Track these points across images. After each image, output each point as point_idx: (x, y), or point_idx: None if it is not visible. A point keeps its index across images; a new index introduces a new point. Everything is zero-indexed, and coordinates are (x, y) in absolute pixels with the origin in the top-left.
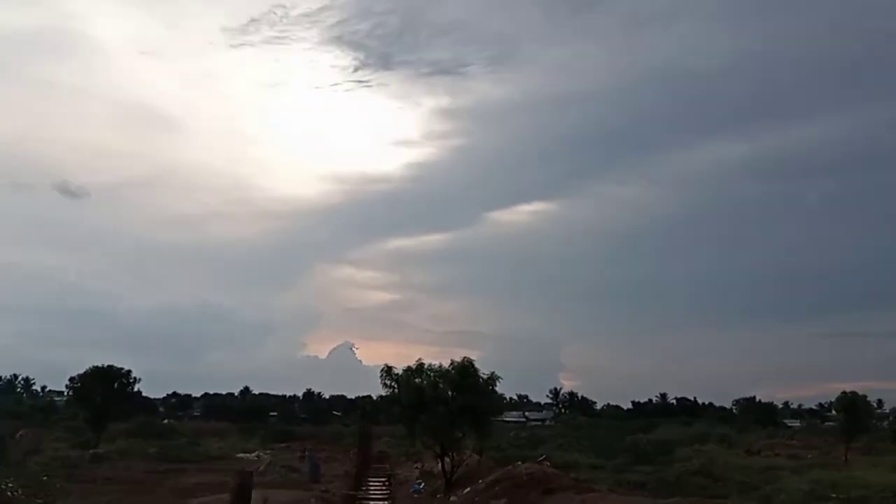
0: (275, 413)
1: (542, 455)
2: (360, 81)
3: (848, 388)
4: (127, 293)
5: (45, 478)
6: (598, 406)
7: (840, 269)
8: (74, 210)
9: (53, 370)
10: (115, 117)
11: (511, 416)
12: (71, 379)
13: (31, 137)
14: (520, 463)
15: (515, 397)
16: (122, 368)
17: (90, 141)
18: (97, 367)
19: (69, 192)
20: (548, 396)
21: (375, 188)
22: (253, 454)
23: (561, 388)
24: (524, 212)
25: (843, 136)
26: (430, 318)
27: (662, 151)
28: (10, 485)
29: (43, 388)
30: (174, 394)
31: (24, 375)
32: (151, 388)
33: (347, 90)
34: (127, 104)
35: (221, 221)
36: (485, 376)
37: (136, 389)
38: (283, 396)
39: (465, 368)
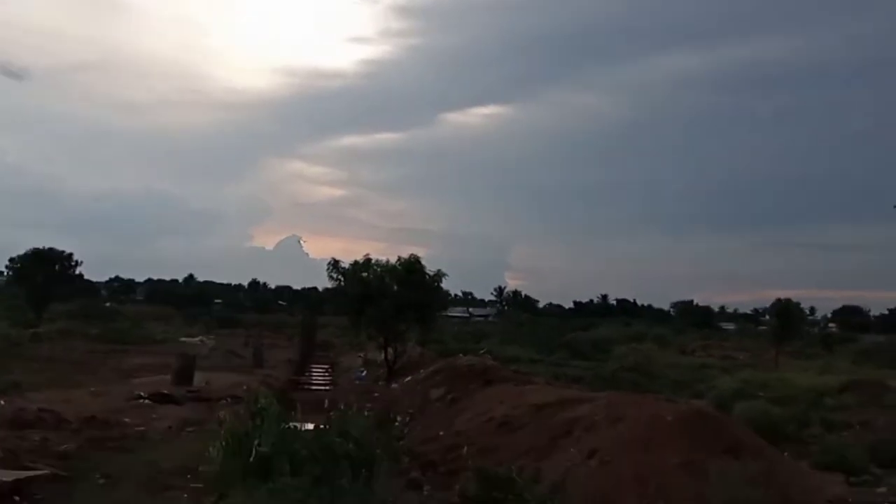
0: (219, 301)
1: (483, 349)
2: None
3: (783, 295)
4: (71, 176)
5: None
6: (541, 305)
7: (784, 182)
8: (17, 91)
9: None
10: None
11: (455, 312)
12: (11, 259)
13: None
14: (461, 355)
15: (461, 294)
16: (63, 251)
17: (35, 22)
18: (37, 249)
19: (11, 73)
20: (492, 294)
21: (329, 84)
22: (196, 339)
23: (505, 287)
24: (479, 114)
25: (798, 51)
26: (379, 214)
27: (620, 60)
28: None
29: None
30: (117, 278)
31: None
32: (94, 271)
33: None
34: None
35: (171, 109)
36: (431, 273)
37: (77, 272)
38: (229, 285)
39: (412, 265)
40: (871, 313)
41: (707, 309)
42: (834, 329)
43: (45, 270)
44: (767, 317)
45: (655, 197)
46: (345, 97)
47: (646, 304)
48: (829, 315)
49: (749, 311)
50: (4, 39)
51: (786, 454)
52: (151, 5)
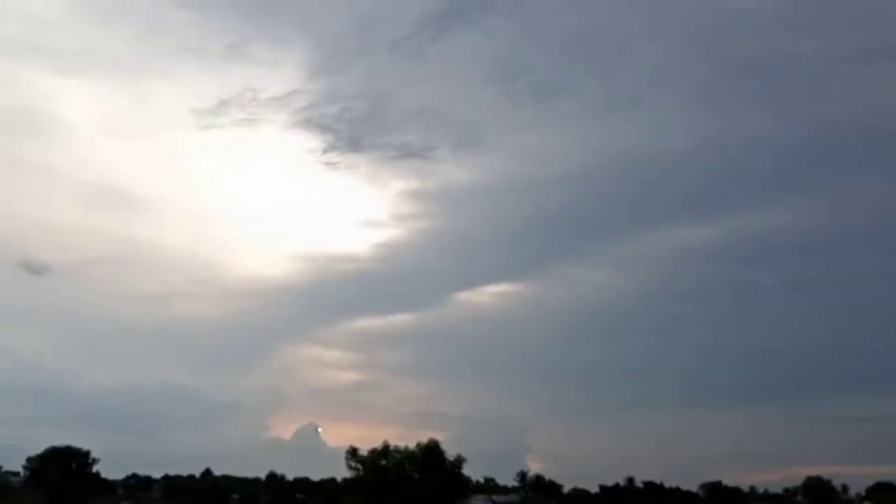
0: (236, 496)
1: None
2: (328, 163)
3: (813, 472)
4: (87, 371)
5: None
6: (566, 489)
7: (805, 354)
8: (36, 287)
9: (9, 449)
10: (81, 196)
11: (478, 500)
12: (28, 459)
13: None
14: None
15: (482, 479)
16: (80, 449)
17: (54, 219)
18: (55, 448)
19: (31, 268)
20: (515, 479)
21: (342, 267)
22: None
23: (528, 471)
24: (489, 293)
25: (804, 220)
26: (395, 398)
27: (624, 235)
28: None
29: None
30: (133, 475)
31: None
32: (110, 468)
33: (316, 172)
34: (93, 183)
35: (186, 300)
36: (451, 458)
37: (94, 470)
38: (246, 479)
39: (431, 450)
40: None
41: (737, 490)
42: None
43: (63, 470)
44: (799, 497)
45: (675, 372)
46: (358, 280)
47: (673, 485)
48: (864, 493)
49: (780, 491)
50: (26, 237)
51: None
52: (168, 200)
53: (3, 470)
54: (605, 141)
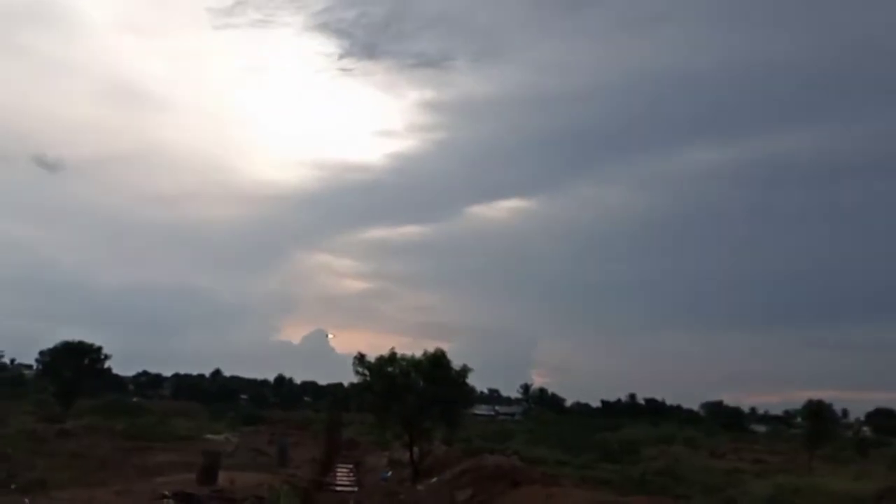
0: (245, 396)
1: (509, 448)
2: (344, 69)
3: (814, 396)
4: (100, 269)
5: (9, 451)
6: (568, 403)
7: (813, 280)
8: (51, 183)
9: (24, 343)
10: (97, 92)
11: (481, 410)
12: (41, 353)
13: (9, 108)
14: (488, 455)
15: (486, 391)
16: (92, 344)
17: (70, 114)
18: (68, 343)
19: (46, 164)
20: (518, 391)
21: (356, 177)
22: (221, 436)
23: (532, 384)
24: (503, 208)
25: (825, 145)
26: (404, 308)
27: (644, 154)
28: None
29: (12, 360)
30: (144, 372)
31: None
32: (122, 365)
33: (331, 77)
34: (109, 80)
35: (200, 202)
36: (457, 368)
37: (106, 366)
38: (255, 380)
39: (438, 359)
40: None
41: (737, 410)
42: (868, 432)
43: (75, 364)
44: (799, 419)
45: (682, 294)
46: (371, 190)
47: (675, 404)
48: (863, 418)
49: (780, 413)
50: (41, 133)
51: None
52: (184, 99)
53: (17, 363)
54: (628, 58)
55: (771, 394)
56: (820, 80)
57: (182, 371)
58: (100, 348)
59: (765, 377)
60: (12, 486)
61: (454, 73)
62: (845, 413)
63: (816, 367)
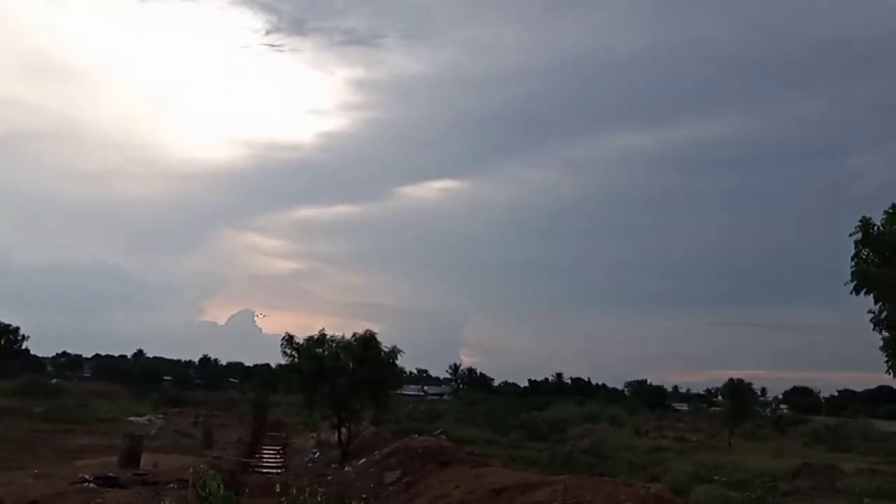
0: (169, 377)
1: (438, 429)
2: (272, 45)
3: (735, 375)
4: (19, 247)
5: None
6: (496, 383)
7: (736, 261)
8: None
9: None
10: (15, 66)
11: (410, 390)
12: None
13: None
14: (416, 436)
15: (415, 371)
16: (9, 325)
17: None
18: None
19: None
20: (447, 372)
21: (285, 156)
22: (144, 418)
23: (460, 364)
24: (433, 188)
25: (746, 132)
26: (333, 289)
27: (569, 136)
28: None
29: None
30: (64, 353)
31: None
32: (40, 346)
33: (259, 53)
34: (28, 53)
35: (123, 179)
36: (386, 349)
37: (23, 347)
38: (179, 361)
39: (368, 341)
40: (822, 395)
41: (661, 389)
42: (785, 410)
43: None
44: (720, 397)
45: (608, 275)
46: (300, 169)
47: (600, 383)
48: (781, 396)
49: (702, 392)
50: None
51: None
52: (106, 75)
53: None
54: (559, 40)
55: (694, 373)
56: (744, 65)
57: (103, 352)
58: (17, 328)
59: (688, 357)
60: None
61: (384, 51)
62: (764, 391)
63: (738, 348)
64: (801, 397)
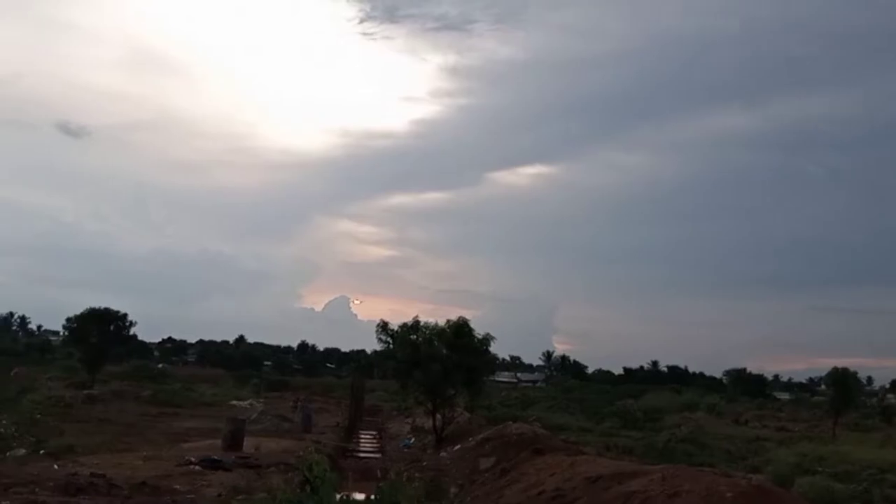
0: (269, 363)
1: (532, 416)
2: (365, 34)
3: (839, 363)
4: (124, 236)
5: (38, 416)
6: (590, 370)
7: (839, 245)
8: (74, 150)
9: (50, 310)
10: (120, 58)
11: (503, 377)
12: (68, 319)
13: (33, 75)
14: (511, 423)
15: (508, 358)
16: (118, 311)
17: (93, 81)
18: (93, 309)
19: (70, 131)
20: (540, 359)
21: (379, 144)
22: (246, 402)
23: (553, 351)
24: (525, 174)
25: (853, 110)
26: (427, 275)
27: (666, 118)
28: (4, 422)
29: (39, 327)
30: (169, 339)
31: (20, 314)
32: (147, 332)
33: (353, 42)
34: (133, 46)
35: (223, 169)
36: (479, 336)
37: (131, 333)
38: (278, 347)
39: (461, 327)
40: None
41: (760, 377)
42: (893, 400)
43: (101, 331)
44: (823, 386)
45: (705, 259)
46: (394, 156)
47: (697, 371)
48: (888, 385)
49: (804, 381)
50: (65, 100)
51: None
52: (206, 67)
53: (44, 329)
54: (653, 21)
55: (795, 361)
56: (843, 43)
57: (206, 338)
58: (125, 315)
59: (789, 344)
60: (41, 452)
61: (475, 36)
62: (870, 380)
63: (842, 334)
64: None
